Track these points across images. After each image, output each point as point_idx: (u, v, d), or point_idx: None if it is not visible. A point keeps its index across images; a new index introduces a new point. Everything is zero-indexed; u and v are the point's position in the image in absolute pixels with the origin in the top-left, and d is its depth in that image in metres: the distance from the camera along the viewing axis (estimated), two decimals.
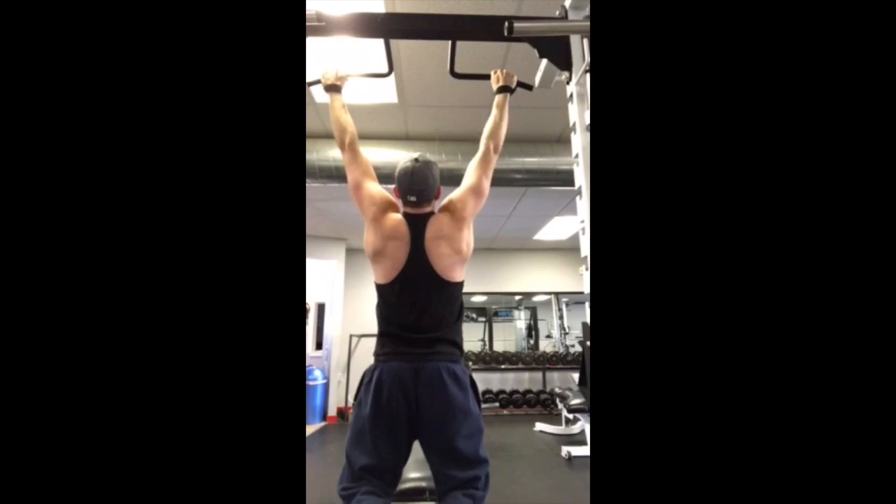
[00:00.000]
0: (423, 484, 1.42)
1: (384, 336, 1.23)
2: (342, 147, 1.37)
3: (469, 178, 1.33)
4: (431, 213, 1.28)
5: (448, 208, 1.29)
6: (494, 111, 1.41)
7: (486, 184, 1.34)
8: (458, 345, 1.24)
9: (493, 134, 1.37)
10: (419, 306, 1.20)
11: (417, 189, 1.25)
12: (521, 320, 6.57)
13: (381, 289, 1.25)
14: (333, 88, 1.44)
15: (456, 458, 1.15)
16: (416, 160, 1.28)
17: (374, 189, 1.32)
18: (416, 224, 1.24)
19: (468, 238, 1.26)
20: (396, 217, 1.26)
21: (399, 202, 1.30)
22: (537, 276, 6.13)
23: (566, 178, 2.92)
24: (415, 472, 1.47)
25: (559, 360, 5.69)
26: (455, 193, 1.31)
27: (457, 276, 1.25)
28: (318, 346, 5.51)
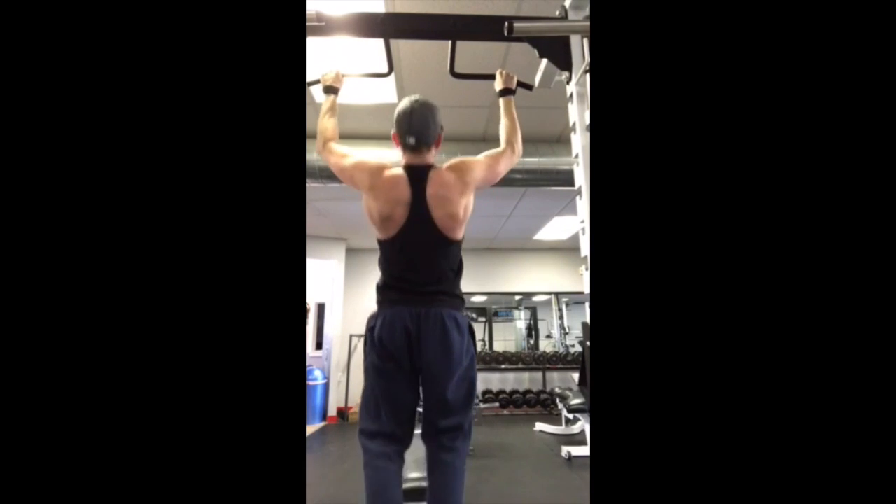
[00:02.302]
0: (424, 484, 1.41)
1: (386, 288, 1.23)
2: (319, 150, 1.37)
3: (486, 156, 1.31)
4: (432, 167, 1.25)
5: (455, 167, 1.25)
6: (504, 118, 1.40)
7: (501, 168, 1.32)
8: (459, 296, 1.26)
9: (510, 139, 1.36)
10: (420, 263, 1.21)
11: (417, 130, 1.22)
12: (521, 320, 6.56)
13: (382, 244, 1.25)
14: (331, 90, 1.44)
15: (444, 404, 1.19)
16: (416, 100, 1.25)
17: (360, 160, 1.30)
18: (417, 177, 1.21)
19: (467, 204, 1.24)
20: (395, 172, 1.23)
21: (399, 148, 1.28)
22: (537, 276, 6.13)
23: (566, 178, 2.92)
24: (415, 472, 1.47)
25: (559, 360, 5.69)
26: (467, 157, 1.29)
27: (458, 235, 1.24)
28: (318, 346, 5.51)
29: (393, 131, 1.28)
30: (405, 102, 1.25)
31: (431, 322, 1.16)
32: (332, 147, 1.35)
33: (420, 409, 1.25)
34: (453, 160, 1.28)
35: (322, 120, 1.40)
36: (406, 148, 1.25)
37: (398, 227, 1.20)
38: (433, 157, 1.28)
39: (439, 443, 1.20)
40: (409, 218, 1.20)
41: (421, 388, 1.22)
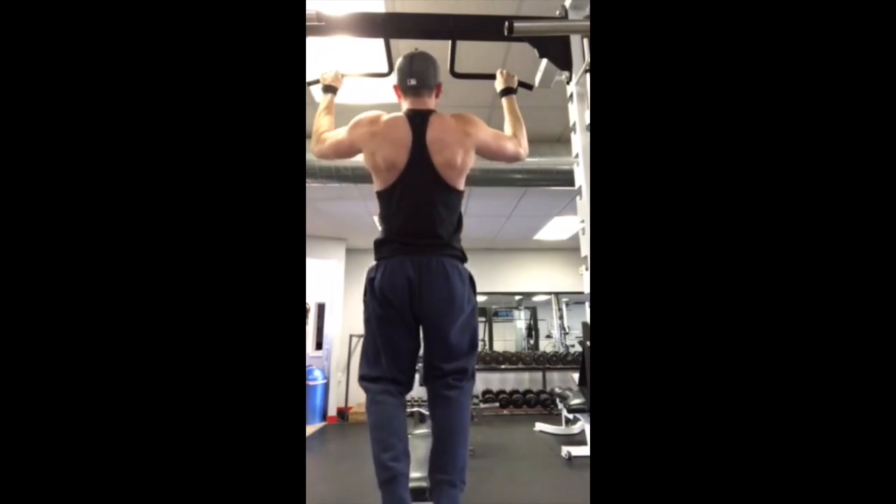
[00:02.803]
0: (424, 484, 1.42)
1: (385, 241, 1.22)
2: (315, 143, 1.37)
3: (493, 130, 1.31)
4: (433, 111, 1.26)
5: (459, 116, 1.26)
6: (509, 117, 1.41)
7: (506, 147, 1.32)
8: (460, 249, 1.25)
9: (516, 134, 1.37)
10: (421, 208, 1.20)
11: (417, 72, 1.24)
12: (521, 320, 6.56)
13: (381, 195, 1.24)
14: (330, 89, 1.45)
15: (447, 350, 1.18)
16: (416, 49, 1.28)
17: (355, 119, 1.29)
18: (418, 121, 1.22)
19: (465, 155, 1.24)
20: (394, 115, 1.24)
21: (400, 97, 1.29)
22: (537, 276, 6.13)
23: (566, 178, 2.92)
24: (415, 472, 1.47)
25: (559, 360, 5.69)
26: (477, 118, 1.29)
27: (458, 183, 1.24)
28: (318, 346, 5.51)
29: (394, 83, 1.29)
30: (405, 54, 1.28)
31: (434, 269, 1.15)
32: (324, 136, 1.35)
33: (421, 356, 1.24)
34: (459, 113, 1.29)
35: (318, 118, 1.40)
36: (407, 91, 1.26)
37: (398, 173, 1.19)
38: (433, 103, 1.29)
39: (444, 382, 1.19)
40: (409, 162, 1.19)
41: (423, 336, 1.22)
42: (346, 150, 1.31)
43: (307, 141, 2.70)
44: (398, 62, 1.28)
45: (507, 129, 1.39)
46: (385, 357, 1.19)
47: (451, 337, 1.18)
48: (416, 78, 1.24)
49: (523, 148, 1.36)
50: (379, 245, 1.23)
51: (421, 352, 1.25)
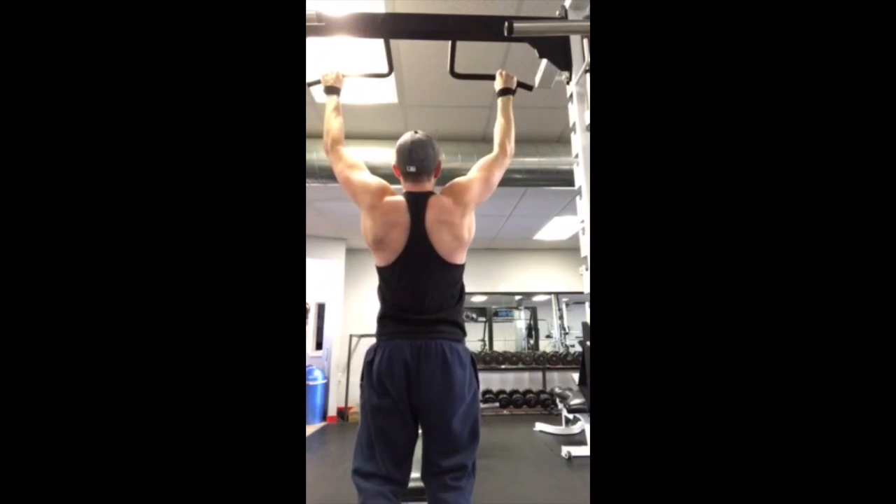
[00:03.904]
0: (423, 484, 1.41)
1: (386, 318, 1.21)
2: (326, 149, 1.38)
3: (478, 169, 1.32)
4: (431, 193, 1.26)
5: (452, 190, 1.26)
6: (500, 117, 1.41)
7: (495, 178, 1.33)
8: (461, 325, 1.24)
9: (503, 140, 1.37)
10: (420, 289, 1.19)
11: (417, 158, 1.24)
12: (521, 320, 6.56)
13: (381, 272, 1.24)
14: (332, 90, 1.44)
15: (446, 442, 1.15)
16: (416, 132, 1.27)
17: (365, 177, 1.30)
18: (417, 204, 1.22)
19: (470, 224, 1.25)
20: (395, 198, 1.24)
21: (400, 178, 1.29)
22: (537, 276, 6.13)
23: (566, 178, 2.92)
24: (415, 472, 1.47)
25: (559, 360, 5.69)
26: (461, 178, 1.30)
27: (458, 258, 1.24)
28: (318, 346, 5.51)
29: (394, 164, 1.29)
30: (406, 136, 1.28)
31: (432, 356, 1.13)
32: (340, 153, 1.35)
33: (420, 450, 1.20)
34: (448, 185, 1.29)
35: (328, 120, 1.40)
36: (407, 176, 1.27)
37: (397, 254, 1.20)
38: (432, 185, 1.30)
39: (441, 482, 1.15)
40: (408, 243, 1.19)
41: (421, 428, 1.18)
42: (347, 191, 1.32)
43: (308, 141, 2.71)
44: (398, 144, 1.28)
45: (497, 130, 1.39)
46: (379, 449, 1.15)
47: (450, 427, 1.14)
48: (416, 165, 1.24)
49: (509, 155, 1.37)
50: (379, 322, 1.22)
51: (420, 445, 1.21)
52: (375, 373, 1.15)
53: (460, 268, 1.25)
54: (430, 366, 1.12)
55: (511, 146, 1.37)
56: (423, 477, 1.19)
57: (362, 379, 1.21)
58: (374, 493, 1.12)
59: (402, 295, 1.20)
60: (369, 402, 1.16)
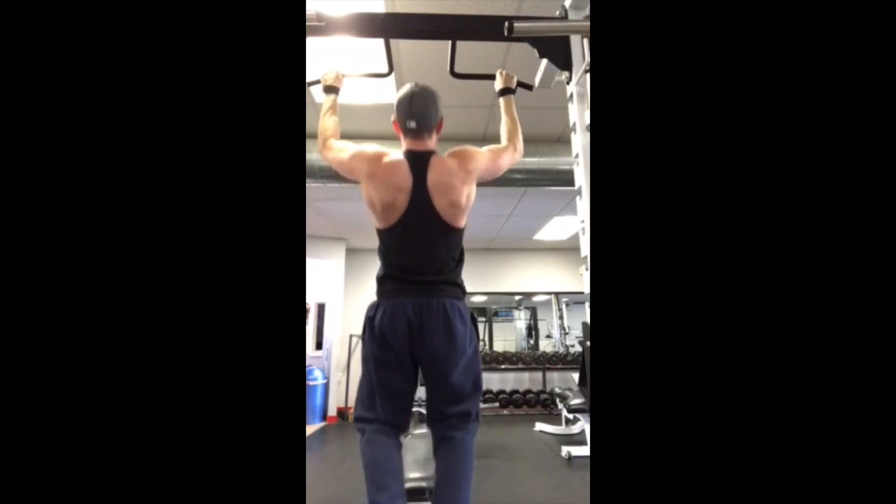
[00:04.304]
0: (423, 484, 1.42)
1: (387, 278, 1.21)
2: (321, 147, 1.37)
3: (488, 149, 1.31)
4: (433, 153, 1.24)
5: (457, 154, 1.24)
6: (505, 117, 1.40)
7: (503, 162, 1.32)
8: (461, 285, 1.24)
9: (511, 137, 1.36)
10: (422, 253, 1.19)
11: (418, 113, 1.21)
12: (521, 320, 6.56)
13: (382, 233, 1.23)
14: (331, 90, 1.44)
15: (450, 393, 1.17)
16: (417, 84, 1.24)
17: (359, 147, 1.28)
18: (418, 163, 1.20)
19: (469, 193, 1.23)
20: (394, 157, 1.22)
21: (399, 135, 1.27)
22: (537, 276, 6.13)
23: (566, 178, 2.92)
24: (415, 472, 1.47)
25: (559, 360, 5.69)
26: (470, 146, 1.28)
27: (459, 222, 1.23)
28: (318, 346, 5.51)
29: (393, 118, 1.27)
30: (406, 87, 1.25)
31: (434, 312, 1.14)
32: (330, 143, 1.34)
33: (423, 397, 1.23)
34: (455, 148, 1.27)
35: (323, 119, 1.39)
36: (407, 133, 1.24)
37: (399, 215, 1.18)
38: (434, 143, 1.27)
39: (448, 424, 1.18)
40: (409, 205, 1.18)
41: (424, 380, 1.21)
42: (346, 172, 1.30)
43: (308, 141, 2.71)
44: (398, 96, 1.24)
45: (503, 129, 1.39)
46: (380, 399, 1.17)
47: (453, 380, 1.16)
48: (417, 120, 1.21)
49: (519, 151, 1.36)
50: (380, 282, 1.22)
51: (424, 395, 1.24)
52: (378, 328, 1.16)
53: (461, 232, 1.24)
54: (433, 321, 1.14)
55: (520, 144, 1.37)
56: (429, 423, 1.22)
57: (363, 332, 1.21)
58: (374, 431, 1.16)
59: (402, 258, 1.19)
60: (371, 354, 1.18)
